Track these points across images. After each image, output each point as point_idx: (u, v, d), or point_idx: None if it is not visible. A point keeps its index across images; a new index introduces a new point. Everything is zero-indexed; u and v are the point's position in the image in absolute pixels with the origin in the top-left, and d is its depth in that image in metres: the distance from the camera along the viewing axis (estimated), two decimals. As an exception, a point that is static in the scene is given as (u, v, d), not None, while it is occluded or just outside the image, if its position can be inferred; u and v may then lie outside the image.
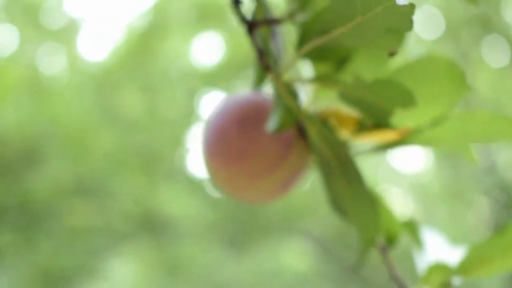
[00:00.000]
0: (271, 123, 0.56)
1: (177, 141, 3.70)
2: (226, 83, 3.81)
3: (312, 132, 0.57)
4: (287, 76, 0.57)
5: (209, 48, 3.87)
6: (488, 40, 3.90)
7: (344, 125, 0.60)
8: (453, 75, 0.54)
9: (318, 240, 3.74)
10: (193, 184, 3.53)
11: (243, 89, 0.59)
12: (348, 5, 0.45)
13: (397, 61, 0.56)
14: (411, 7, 0.41)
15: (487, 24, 3.74)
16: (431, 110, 0.57)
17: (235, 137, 0.59)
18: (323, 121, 0.59)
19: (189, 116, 3.74)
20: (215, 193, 3.34)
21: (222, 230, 3.57)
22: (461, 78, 0.54)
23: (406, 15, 0.41)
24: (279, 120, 0.56)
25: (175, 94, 3.82)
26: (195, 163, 3.64)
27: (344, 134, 0.60)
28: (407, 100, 0.51)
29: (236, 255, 3.54)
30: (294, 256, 3.55)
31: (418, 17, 3.76)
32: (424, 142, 0.58)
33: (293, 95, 0.56)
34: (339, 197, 0.58)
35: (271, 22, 0.55)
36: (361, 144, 0.61)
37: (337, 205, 0.58)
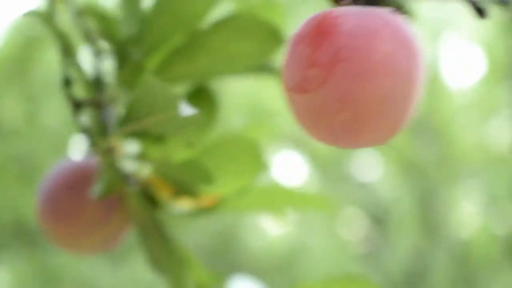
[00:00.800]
0: (96, 190, 0.64)
1: (58, 151, 3.71)
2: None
3: (131, 199, 0.64)
4: (112, 150, 0.64)
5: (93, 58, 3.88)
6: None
7: (164, 191, 0.68)
8: (252, 155, 0.63)
9: (197, 250, 3.82)
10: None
11: (74, 157, 0.67)
12: (147, 104, 0.53)
13: (207, 139, 0.64)
14: (194, 119, 0.49)
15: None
16: (236, 182, 0.65)
17: (63, 200, 0.67)
18: (145, 186, 0.67)
19: (71, 126, 3.74)
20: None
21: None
22: (259, 157, 0.63)
23: (191, 122, 0.50)
24: (102, 188, 0.63)
25: (57, 103, 3.82)
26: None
27: (164, 198, 0.68)
28: (206, 179, 0.59)
29: (113, 266, 3.57)
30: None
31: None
32: (232, 209, 0.67)
33: (116, 166, 0.64)
34: (154, 256, 0.66)
35: (96, 104, 0.62)
36: (180, 208, 0.69)
37: (153, 263, 0.66)
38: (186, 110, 0.49)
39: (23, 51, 3.72)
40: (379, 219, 4.21)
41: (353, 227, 4.27)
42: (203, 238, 3.82)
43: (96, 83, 0.64)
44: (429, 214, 4.08)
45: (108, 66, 0.65)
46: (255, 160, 0.63)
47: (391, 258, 4.05)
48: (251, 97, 3.44)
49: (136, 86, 0.59)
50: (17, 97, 3.66)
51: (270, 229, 4.28)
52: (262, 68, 0.64)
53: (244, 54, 0.59)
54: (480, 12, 0.44)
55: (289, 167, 4.21)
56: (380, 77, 0.39)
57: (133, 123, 0.59)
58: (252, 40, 0.59)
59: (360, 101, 0.39)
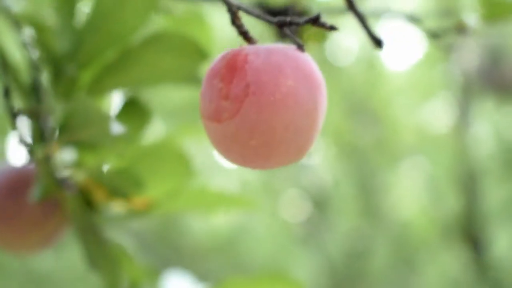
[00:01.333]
0: (34, 193, 0.68)
1: (1, 135, 3.69)
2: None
3: (68, 202, 0.69)
4: (49, 157, 0.68)
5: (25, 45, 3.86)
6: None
7: (98, 194, 0.72)
8: (179, 160, 0.68)
9: (137, 235, 3.84)
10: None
11: (14, 161, 0.73)
12: (81, 118, 0.58)
13: (139, 147, 0.68)
14: (123, 135, 0.53)
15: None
16: (166, 186, 0.70)
17: (2, 202, 0.71)
18: (81, 190, 0.71)
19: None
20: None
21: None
22: (186, 162, 0.68)
23: (121, 137, 0.54)
24: (40, 192, 0.68)
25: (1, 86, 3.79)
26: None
27: (99, 201, 0.72)
28: (137, 184, 0.64)
29: (55, 250, 3.59)
30: (113, 252, 3.62)
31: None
32: (163, 211, 0.72)
33: (53, 172, 0.68)
34: (90, 254, 0.70)
35: (33, 114, 0.66)
36: (115, 210, 0.74)
37: (89, 261, 0.71)
38: (116, 126, 0.53)
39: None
40: (319, 201, 4.28)
41: (294, 209, 4.33)
42: (147, 221, 3.85)
43: (34, 94, 0.68)
44: (369, 196, 4.15)
45: (45, 78, 0.68)
46: (182, 165, 0.68)
47: (332, 239, 4.13)
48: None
49: (71, 99, 0.64)
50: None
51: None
52: (190, 79, 0.69)
53: (172, 68, 0.64)
54: (378, 43, 0.50)
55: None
56: (284, 109, 0.44)
57: (68, 134, 0.63)
58: (179, 56, 0.63)
59: (267, 130, 0.44)
